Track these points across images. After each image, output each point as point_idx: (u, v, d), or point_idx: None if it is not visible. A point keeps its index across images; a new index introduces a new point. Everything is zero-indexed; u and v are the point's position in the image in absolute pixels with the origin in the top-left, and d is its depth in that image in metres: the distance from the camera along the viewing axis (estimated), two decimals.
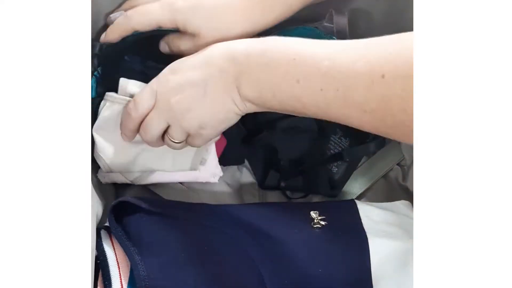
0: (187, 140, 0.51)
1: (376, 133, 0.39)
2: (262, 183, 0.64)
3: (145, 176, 0.58)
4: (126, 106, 0.52)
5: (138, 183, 0.59)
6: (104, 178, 0.58)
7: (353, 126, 0.40)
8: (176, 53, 0.52)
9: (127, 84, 0.54)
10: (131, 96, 0.53)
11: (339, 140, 0.62)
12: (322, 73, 0.38)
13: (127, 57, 0.57)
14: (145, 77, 0.54)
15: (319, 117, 0.40)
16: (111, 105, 0.55)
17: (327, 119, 0.41)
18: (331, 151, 0.63)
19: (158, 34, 0.57)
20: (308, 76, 0.38)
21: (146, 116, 0.50)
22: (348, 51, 0.37)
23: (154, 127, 0.49)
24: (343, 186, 0.63)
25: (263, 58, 0.41)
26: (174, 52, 0.52)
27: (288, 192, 0.64)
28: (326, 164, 0.61)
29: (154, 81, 0.49)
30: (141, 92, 0.50)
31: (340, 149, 0.62)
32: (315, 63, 0.38)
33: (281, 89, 0.41)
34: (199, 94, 0.45)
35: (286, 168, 0.62)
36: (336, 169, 0.61)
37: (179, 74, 0.47)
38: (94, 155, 0.57)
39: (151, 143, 0.52)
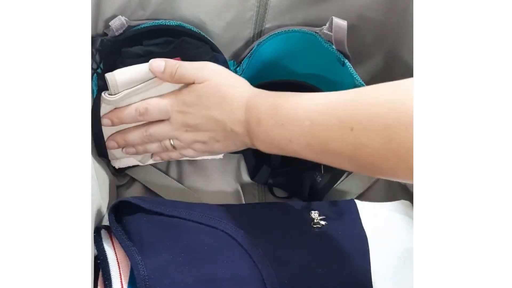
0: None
1: (357, 172, 0.50)
2: (253, 176, 0.65)
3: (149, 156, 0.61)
4: (137, 105, 0.55)
5: (145, 163, 0.62)
6: (115, 163, 0.61)
7: (339, 168, 0.48)
8: None
9: (114, 77, 0.54)
10: (125, 85, 0.54)
11: None
12: (306, 132, 0.46)
13: (124, 49, 0.57)
14: (149, 58, 0.55)
15: (315, 161, 0.49)
16: (106, 105, 0.56)
17: (320, 163, 0.49)
18: None
19: (157, 28, 0.58)
20: (296, 136, 0.47)
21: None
22: (323, 110, 0.45)
23: (162, 136, 0.56)
24: (323, 197, 0.63)
25: (260, 126, 0.50)
26: None
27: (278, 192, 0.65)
28: (309, 170, 0.61)
29: (170, 102, 0.55)
30: (158, 104, 0.55)
31: None
32: (299, 125, 0.47)
33: (280, 146, 0.49)
34: (213, 138, 0.54)
35: (276, 166, 0.63)
36: (320, 179, 0.61)
37: (196, 113, 0.53)
38: (109, 157, 0.59)
39: (145, 146, 0.58)
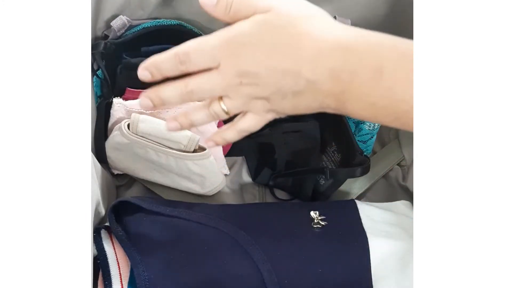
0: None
1: None
2: (255, 178, 0.65)
3: None
4: (177, 49, 0.39)
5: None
6: (114, 170, 0.62)
7: None
8: None
9: (138, 122, 0.55)
10: (141, 135, 0.54)
11: (332, 154, 0.62)
12: None
13: (125, 55, 0.57)
14: None
15: None
16: (120, 136, 0.56)
17: None
18: (324, 162, 0.63)
19: (159, 28, 0.58)
20: None
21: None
22: None
23: (208, 92, 0.40)
24: (326, 199, 0.63)
25: (381, 80, 0.36)
26: None
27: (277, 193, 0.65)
28: (312, 173, 0.61)
29: (219, 41, 0.38)
30: (201, 46, 0.39)
31: (331, 163, 0.62)
32: None
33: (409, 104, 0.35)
34: (277, 93, 0.39)
35: (280, 168, 0.63)
36: (323, 182, 0.61)
37: (254, 56, 0.38)
38: (109, 164, 0.60)
39: (189, 117, 0.43)
